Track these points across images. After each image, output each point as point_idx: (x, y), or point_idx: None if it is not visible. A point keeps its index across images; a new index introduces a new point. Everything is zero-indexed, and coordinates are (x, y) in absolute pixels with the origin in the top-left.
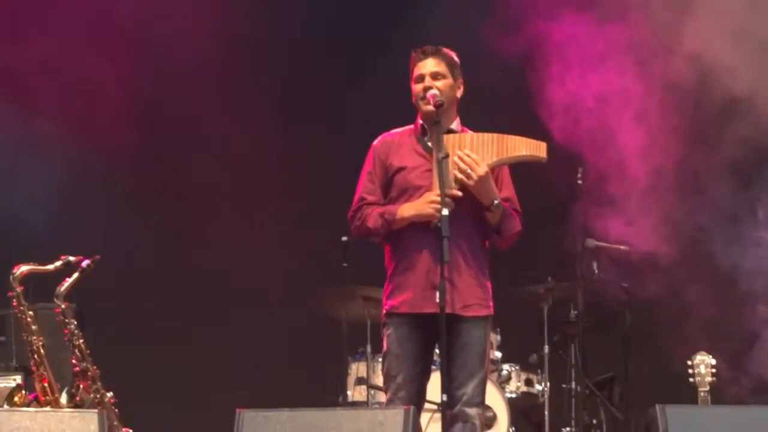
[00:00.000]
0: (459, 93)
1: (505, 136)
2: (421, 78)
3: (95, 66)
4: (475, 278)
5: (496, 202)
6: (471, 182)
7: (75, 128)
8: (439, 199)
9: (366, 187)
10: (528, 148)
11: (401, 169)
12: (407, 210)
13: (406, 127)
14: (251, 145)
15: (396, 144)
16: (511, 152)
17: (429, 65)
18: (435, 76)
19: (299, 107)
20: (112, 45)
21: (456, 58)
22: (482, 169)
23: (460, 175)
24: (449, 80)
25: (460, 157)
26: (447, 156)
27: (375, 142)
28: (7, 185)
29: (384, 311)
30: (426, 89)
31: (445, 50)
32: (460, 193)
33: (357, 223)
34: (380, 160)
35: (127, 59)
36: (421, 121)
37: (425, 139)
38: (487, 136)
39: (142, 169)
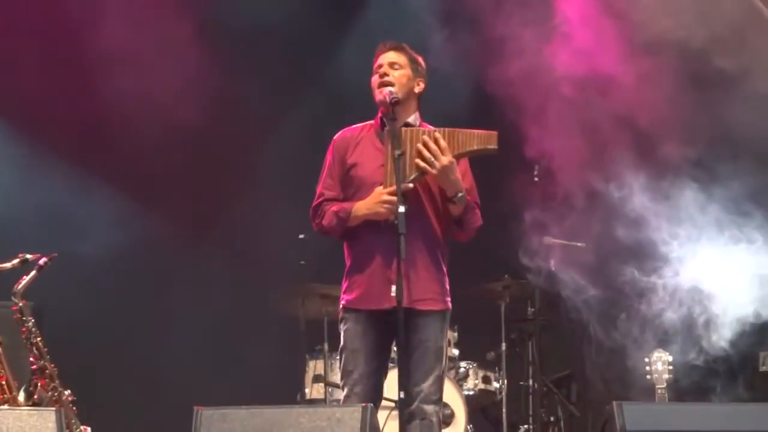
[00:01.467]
0: (418, 89)
1: (456, 130)
2: (379, 67)
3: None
4: (431, 273)
5: (460, 194)
6: (434, 171)
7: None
8: (390, 198)
9: (325, 182)
10: (479, 141)
11: (356, 165)
12: (360, 209)
13: (367, 122)
14: (211, 142)
15: (355, 139)
16: (463, 147)
17: (389, 56)
18: (393, 65)
19: (263, 108)
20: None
21: (420, 60)
22: (446, 159)
23: (422, 164)
24: (407, 71)
25: (424, 143)
26: (402, 153)
27: (335, 136)
28: None
29: (341, 306)
30: (382, 76)
31: (410, 48)
32: (410, 186)
33: (317, 221)
34: (339, 155)
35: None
36: (380, 116)
37: (383, 133)
38: (438, 132)
39: (99, 163)
